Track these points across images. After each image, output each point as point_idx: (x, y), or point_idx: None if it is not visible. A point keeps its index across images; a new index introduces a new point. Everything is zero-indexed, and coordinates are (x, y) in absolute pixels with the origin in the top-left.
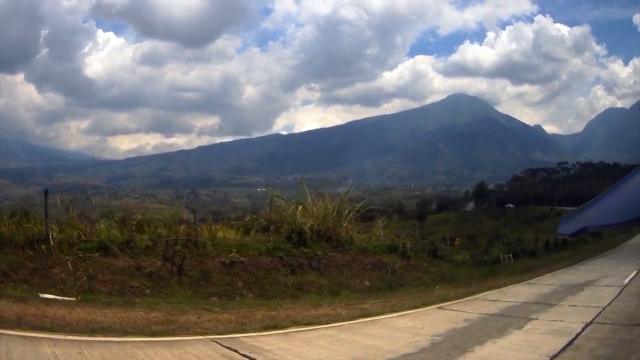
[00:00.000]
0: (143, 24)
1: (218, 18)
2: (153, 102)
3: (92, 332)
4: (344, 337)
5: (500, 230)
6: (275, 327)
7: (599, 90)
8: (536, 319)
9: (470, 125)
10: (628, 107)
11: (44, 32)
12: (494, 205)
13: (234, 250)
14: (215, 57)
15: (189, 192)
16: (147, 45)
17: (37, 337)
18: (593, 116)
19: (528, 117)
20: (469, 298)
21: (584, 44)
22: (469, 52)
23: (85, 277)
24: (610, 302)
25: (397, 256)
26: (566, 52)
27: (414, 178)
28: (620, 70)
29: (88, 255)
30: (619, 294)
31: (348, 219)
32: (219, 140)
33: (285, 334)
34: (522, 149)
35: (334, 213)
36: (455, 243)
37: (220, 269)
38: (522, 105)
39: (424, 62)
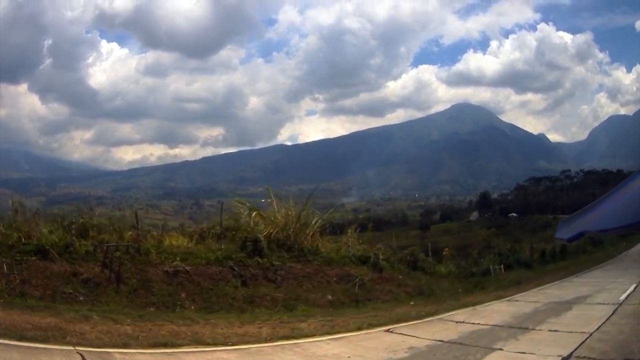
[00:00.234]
0: (147, 35)
1: (222, 29)
2: (157, 112)
3: None
4: None
5: (492, 239)
6: (165, 345)
7: (602, 97)
8: (500, 349)
9: (474, 135)
10: (631, 114)
11: (48, 42)
12: (497, 215)
13: (178, 258)
14: (219, 67)
15: (193, 203)
16: (151, 56)
17: None
18: (596, 124)
19: (532, 125)
20: (431, 318)
21: (587, 51)
22: (473, 61)
23: (18, 280)
24: (600, 325)
25: (367, 268)
26: (569, 59)
27: (418, 188)
28: (624, 77)
29: (25, 258)
30: (612, 314)
31: (315, 227)
32: (223, 151)
33: (169, 353)
34: (526, 157)
35: (296, 221)
36: (444, 253)
37: (163, 278)
38: (525, 114)
39: (427, 72)
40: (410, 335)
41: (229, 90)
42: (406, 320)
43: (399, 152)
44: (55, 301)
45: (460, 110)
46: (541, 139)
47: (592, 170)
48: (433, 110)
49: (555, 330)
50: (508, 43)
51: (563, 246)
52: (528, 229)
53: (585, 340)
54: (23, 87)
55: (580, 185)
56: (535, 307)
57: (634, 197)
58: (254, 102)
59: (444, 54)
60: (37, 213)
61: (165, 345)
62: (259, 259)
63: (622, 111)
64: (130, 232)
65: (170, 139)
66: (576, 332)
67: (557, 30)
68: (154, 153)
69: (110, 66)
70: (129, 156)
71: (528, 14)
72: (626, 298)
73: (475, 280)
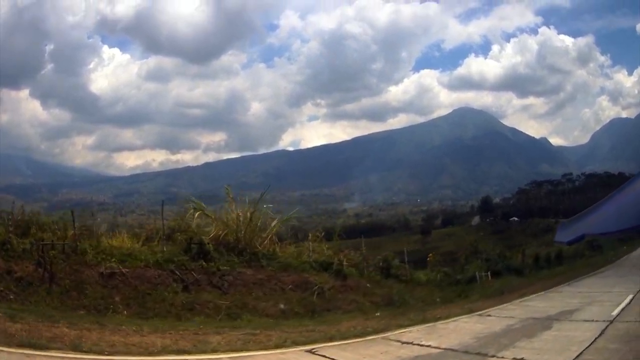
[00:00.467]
0: (148, 40)
1: (223, 34)
2: (159, 118)
3: None
4: None
5: (479, 244)
6: (32, 347)
7: (604, 100)
8: None
9: (476, 139)
10: (633, 117)
11: (49, 48)
12: (499, 219)
13: (114, 259)
14: (220, 73)
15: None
16: (153, 61)
17: None
18: (598, 127)
19: (534, 129)
20: (375, 337)
21: (588, 54)
22: (474, 66)
23: None
24: (580, 353)
25: (330, 275)
26: (571, 63)
27: (420, 193)
28: (625, 80)
29: None
30: (598, 335)
31: (273, 230)
32: (225, 156)
33: (28, 355)
34: (528, 161)
35: (247, 222)
36: (428, 260)
37: (98, 280)
38: (527, 118)
39: (429, 76)
40: (330, 359)
41: (231, 96)
42: (345, 338)
43: (401, 157)
44: None
45: (462, 114)
46: (543, 143)
47: (593, 174)
48: (435, 115)
49: (521, 359)
50: (509, 47)
51: (559, 251)
52: (529, 233)
53: None
54: (24, 92)
55: (582, 188)
56: (507, 325)
57: (634, 200)
58: (256, 108)
59: (445, 58)
60: None
61: (32, 347)
62: (204, 263)
63: (624, 114)
64: (71, 232)
65: (172, 145)
66: None
67: (558, 33)
68: (156, 159)
69: (111, 72)
70: (131, 162)
71: (529, 18)
72: (619, 313)
73: (459, 289)
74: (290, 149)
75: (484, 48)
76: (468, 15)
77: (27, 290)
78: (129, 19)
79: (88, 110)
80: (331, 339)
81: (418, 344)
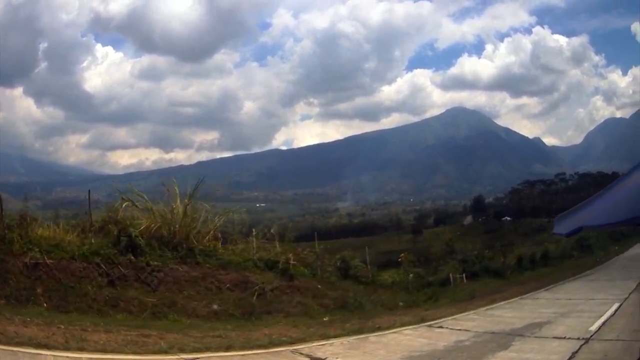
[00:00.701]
0: (141, 39)
1: (216, 33)
2: (152, 117)
3: None
4: None
5: (455, 243)
6: None
7: (598, 100)
8: None
9: (470, 139)
10: (627, 117)
11: (43, 46)
12: (491, 219)
13: (37, 250)
14: (213, 71)
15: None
16: (146, 60)
17: None
18: (592, 127)
19: (527, 129)
20: (283, 349)
21: (583, 54)
22: (468, 65)
23: None
24: None
25: (275, 274)
26: (565, 63)
27: (413, 192)
28: (619, 80)
29: None
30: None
31: (217, 224)
32: (218, 155)
33: None
34: (521, 161)
35: (182, 215)
36: (400, 260)
37: (22, 271)
38: (521, 118)
39: (422, 76)
40: None
41: (224, 95)
42: (248, 348)
43: (394, 156)
44: None
45: (455, 114)
46: (537, 142)
47: (587, 173)
48: (428, 115)
49: None
50: (503, 46)
51: (545, 251)
52: (522, 233)
53: None
54: (18, 90)
55: (575, 188)
56: (456, 341)
57: (632, 192)
58: (249, 107)
59: (438, 57)
60: None
61: None
62: (132, 257)
63: (618, 114)
64: (6, 220)
65: (165, 143)
66: None
67: (552, 33)
68: (150, 157)
69: (105, 70)
70: (124, 160)
71: (523, 17)
72: (599, 328)
73: (431, 291)
74: (283, 148)
75: (477, 47)
76: (462, 15)
77: None
78: (122, 17)
79: (82, 109)
80: (228, 348)
81: None
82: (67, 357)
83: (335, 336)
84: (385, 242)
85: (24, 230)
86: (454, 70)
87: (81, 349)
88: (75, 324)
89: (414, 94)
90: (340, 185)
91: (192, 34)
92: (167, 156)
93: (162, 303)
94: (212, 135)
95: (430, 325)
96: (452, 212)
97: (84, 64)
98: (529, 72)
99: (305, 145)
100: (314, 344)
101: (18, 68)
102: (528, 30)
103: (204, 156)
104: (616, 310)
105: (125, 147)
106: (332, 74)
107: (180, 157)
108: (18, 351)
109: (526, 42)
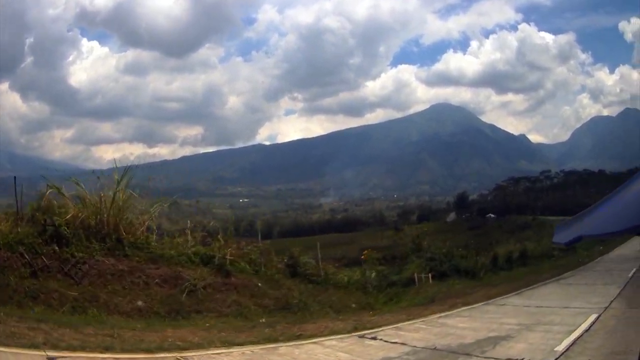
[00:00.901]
0: (127, 33)
1: (201, 27)
2: (136, 111)
3: None
4: None
5: (423, 240)
6: None
7: (584, 98)
8: None
9: (454, 135)
10: (614, 115)
11: (29, 41)
12: (475, 215)
13: None
14: (198, 66)
15: (171, 203)
16: (131, 54)
17: None
18: (579, 125)
19: (513, 126)
20: (161, 356)
21: (569, 52)
22: (453, 62)
23: None
24: None
25: (210, 270)
26: (551, 60)
27: (397, 188)
28: (606, 78)
29: None
30: None
31: (153, 215)
32: (202, 150)
33: None
34: (506, 158)
35: (111, 204)
36: (363, 257)
37: None
38: (506, 115)
39: (407, 72)
40: None
41: (208, 90)
42: (131, 351)
43: (378, 152)
44: None
45: (440, 110)
46: (522, 140)
47: (572, 171)
48: (412, 111)
49: None
50: (489, 43)
51: (523, 250)
52: (506, 230)
53: None
54: (4, 85)
55: (560, 185)
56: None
57: (632, 200)
58: (233, 102)
59: (423, 53)
60: None
61: None
62: (56, 248)
63: (605, 112)
64: None
65: (149, 138)
66: None
67: (538, 30)
68: (134, 152)
69: (90, 65)
70: (108, 155)
71: (509, 14)
72: (568, 348)
73: (393, 292)
74: (267, 143)
75: (462, 44)
76: (447, 11)
77: None
78: (108, 11)
79: (67, 104)
80: (106, 350)
81: None
82: None
83: (243, 343)
84: (367, 239)
85: None
86: (439, 67)
87: None
88: None
89: (399, 90)
90: (324, 181)
91: (176, 29)
92: (151, 151)
93: (83, 297)
94: (196, 130)
95: (362, 336)
96: (435, 208)
97: (70, 59)
98: (514, 69)
99: (289, 140)
100: (209, 352)
101: (4, 63)
102: (514, 27)
103: (187, 151)
104: (593, 323)
105: (109, 141)
106: (316, 69)
107: (164, 152)
108: None
109: (512, 39)
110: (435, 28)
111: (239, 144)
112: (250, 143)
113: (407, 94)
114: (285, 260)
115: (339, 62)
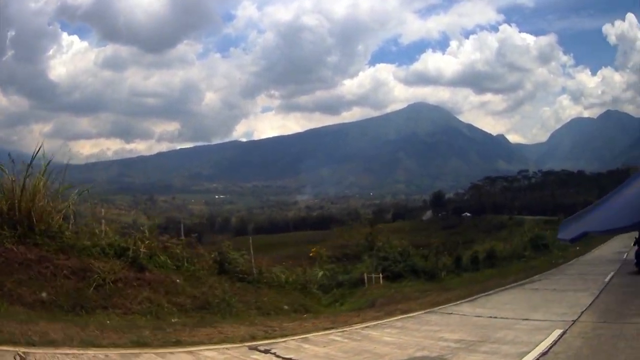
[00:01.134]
0: (106, 28)
1: (180, 23)
2: (114, 107)
3: None
4: None
5: (376, 238)
6: None
7: (565, 100)
8: None
9: (432, 135)
10: (595, 117)
11: (10, 34)
12: (451, 214)
13: None
14: (175, 62)
15: (147, 199)
16: (110, 49)
17: None
18: (558, 126)
19: (491, 126)
20: None
21: (550, 53)
22: (431, 61)
23: None
24: None
25: (123, 263)
26: (531, 61)
27: (373, 187)
28: (588, 80)
29: None
30: None
31: (72, 202)
32: (178, 146)
33: None
34: (484, 158)
35: (21, 188)
36: (311, 254)
37: None
38: (484, 115)
39: (385, 71)
40: None
41: (185, 85)
42: None
43: (354, 150)
44: None
45: (418, 109)
46: (500, 140)
47: (550, 171)
48: (389, 110)
49: None
50: (468, 43)
51: (491, 250)
52: (482, 229)
53: None
54: None
55: (538, 185)
56: None
57: (635, 197)
58: (210, 98)
59: (402, 53)
60: None
61: None
62: None
63: (586, 114)
64: None
65: (126, 134)
66: None
67: (520, 31)
68: (111, 147)
69: (70, 59)
70: (86, 150)
71: (490, 15)
72: None
73: (338, 293)
74: (244, 140)
75: (442, 44)
76: (427, 11)
77: None
78: (88, 5)
79: (46, 98)
80: None
81: None
82: None
83: (105, 345)
84: (340, 236)
85: None
86: (417, 66)
87: None
88: None
89: (376, 89)
90: (300, 178)
91: (155, 24)
92: (128, 146)
93: None
94: (173, 126)
95: (254, 347)
96: (411, 207)
97: (50, 53)
98: (494, 69)
99: (266, 137)
100: (57, 351)
101: None
102: (494, 28)
103: (164, 147)
104: (554, 343)
105: (87, 137)
106: (294, 67)
107: (140, 147)
108: None
109: (492, 39)
110: (415, 28)
111: (216, 141)
112: (226, 139)
113: (385, 93)
114: (213, 255)
115: (316, 60)
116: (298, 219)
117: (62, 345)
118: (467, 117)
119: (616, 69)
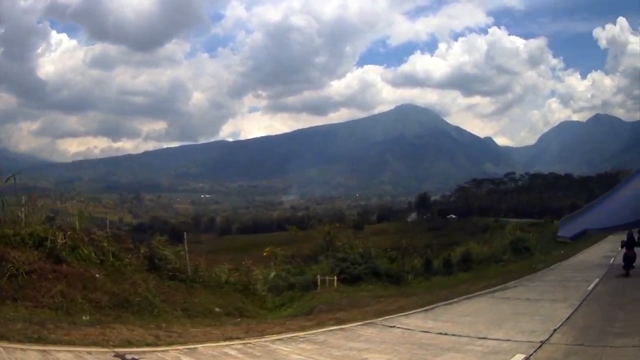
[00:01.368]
0: (95, 26)
1: (168, 22)
2: (102, 105)
3: None
4: None
5: (336, 237)
6: None
7: (554, 103)
8: None
9: (419, 137)
10: (584, 121)
11: (0, 32)
12: (436, 216)
13: None
14: (164, 61)
15: (133, 197)
16: (98, 47)
17: None
18: (547, 129)
19: (479, 129)
20: None
21: (540, 56)
22: (420, 63)
23: None
24: None
25: (40, 254)
26: (521, 64)
27: (360, 188)
28: (577, 83)
29: None
30: None
31: None
32: (165, 145)
33: None
34: (472, 160)
35: None
36: (265, 254)
37: None
38: (472, 117)
39: (373, 72)
40: None
41: (173, 85)
42: None
43: (341, 151)
44: None
45: (405, 111)
46: (488, 142)
47: (538, 174)
48: (377, 111)
49: None
50: (457, 46)
51: (467, 253)
52: (468, 231)
53: None
54: None
55: (525, 188)
56: None
57: (635, 195)
58: (197, 97)
59: (390, 54)
60: None
61: None
62: None
63: (575, 117)
64: None
65: (114, 132)
66: None
67: (509, 34)
68: (98, 146)
69: (59, 57)
70: (73, 148)
71: (480, 18)
72: None
73: (288, 296)
74: (230, 139)
75: (430, 46)
76: (416, 12)
77: None
78: (77, 4)
79: (35, 96)
80: None
81: None
82: None
83: None
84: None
85: None
86: (405, 68)
87: None
88: None
89: (364, 90)
90: (287, 179)
91: (144, 23)
92: (115, 145)
93: None
94: (160, 125)
95: (120, 355)
96: (397, 208)
97: (39, 51)
98: (482, 72)
99: (253, 137)
100: None
101: None
102: (484, 31)
103: (151, 146)
104: None
105: (74, 135)
106: (282, 67)
107: (128, 146)
108: None
109: (481, 42)
110: (404, 29)
111: (202, 140)
112: (213, 139)
113: (373, 94)
114: (143, 251)
115: (304, 60)
116: (283, 219)
117: None
118: (455, 120)
119: (606, 73)
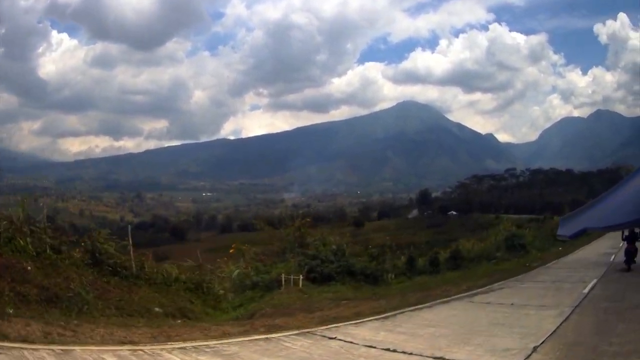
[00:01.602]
0: (95, 26)
1: (169, 21)
2: (103, 104)
3: None
4: None
5: (307, 233)
6: None
7: (555, 99)
8: None
9: (420, 133)
10: (585, 116)
11: (1, 32)
12: (437, 213)
13: None
14: (164, 60)
15: (134, 196)
16: (99, 47)
17: None
18: (548, 125)
19: (480, 125)
20: None
21: (541, 52)
22: (421, 60)
23: None
24: None
25: None
26: (522, 60)
27: (361, 185)
28: (579, 79)
29: None
30: None
31: None
32: (166, 144)
33: None
34: (473, 157)
35: None
36: (231, 251)
37: None
38: (473, 114)
39: (374, 69)
40: None
41: (174, 83)
42: None
43: (342, 148)
44: None
45: (406, 108)
46: (489, 139)
47: (539, 170)
48: (378, 108)
49: None
50: (458, 42)
51: (457, 252)
52: (468, 228)
53: None
54: None
55: (526, 184)
56: None
57: (635, 194)
58: (199, 96)
59: (391, 51)
60: None
61: None
62: None
63: (576, 113)
64: None
65: (115, 131)
66: None
67: (510, 31)
68: (99, 145)
69: (59, 57)
70: (75, 148)
71: (480, 14)
72: None
73: (248, 296)
74: (232, 138)
75: (431, 43)
76: (417, 9)
77: None
78: (77, 3)
79: (35, 95)
80: None
81: None
82: None
83: None
84: (326, 234)
85: None
86: (406, 65)
87: None
88: None
89: (365, 87)
90: (288, 176)
91: (144, 22)
92: (117, 144)
93: None
94: (161, 124)
95: None
96: (398, 205)
97: (39, 51)
98: (483, 68)
99: (254, 135)
100: None
101: None
102: (485, 27)
103: (152, 145)
104: None
105: (75, 134)
106: (282, 65)
107: (129, 145)
108: None
109: (482, 38)
110: (405, 26)
111: (204, 138)
112: (214, 137)
113: (374, 91)
114: (84, 244)
115: (305, 58)
116: (284, 216)
117: None
118: (456, 116)
119: (607, 69)
